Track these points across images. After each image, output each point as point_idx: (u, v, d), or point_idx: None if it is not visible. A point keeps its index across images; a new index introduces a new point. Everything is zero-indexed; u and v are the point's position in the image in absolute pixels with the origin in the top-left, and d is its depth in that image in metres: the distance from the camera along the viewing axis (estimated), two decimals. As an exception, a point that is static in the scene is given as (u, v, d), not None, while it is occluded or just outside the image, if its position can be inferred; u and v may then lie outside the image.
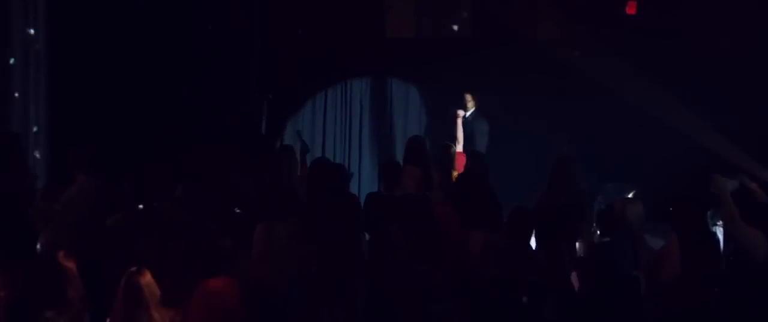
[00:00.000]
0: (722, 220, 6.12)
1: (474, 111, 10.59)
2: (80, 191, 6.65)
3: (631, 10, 10.58)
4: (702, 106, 9.97)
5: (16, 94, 9.34)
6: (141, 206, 6.27)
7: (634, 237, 6.31)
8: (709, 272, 5.68)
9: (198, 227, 6.03)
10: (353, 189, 9.53)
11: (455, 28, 11.31)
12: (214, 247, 5.35)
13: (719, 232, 6.85)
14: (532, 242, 6.43)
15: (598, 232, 6.91)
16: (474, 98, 10.60)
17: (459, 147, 9.85)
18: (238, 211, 6.78)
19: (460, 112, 10.24)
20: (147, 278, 4.88)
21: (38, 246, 5.57)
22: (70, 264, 5.27)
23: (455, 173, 8.22)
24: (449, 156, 8.61)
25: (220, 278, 5.04)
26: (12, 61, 9.31)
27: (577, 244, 6.66)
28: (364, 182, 11.30)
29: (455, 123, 10.24)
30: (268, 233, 5.84)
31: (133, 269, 4.92)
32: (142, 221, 6.09)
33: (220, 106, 10.23)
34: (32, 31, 9.39)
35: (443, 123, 10.82)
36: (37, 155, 9.46)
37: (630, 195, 8.68)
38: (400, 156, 9.69)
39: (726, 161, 9.40)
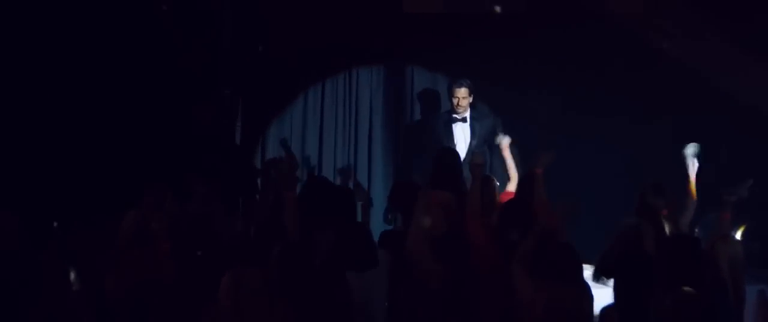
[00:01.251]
0: None
1: (472, 111, 10.55)
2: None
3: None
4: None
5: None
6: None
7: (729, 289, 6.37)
8: None
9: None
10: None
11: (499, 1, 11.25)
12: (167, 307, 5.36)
13: None
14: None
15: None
16: (470, 91, 10.50)
17: (511, 185, 9.69)
18: (200, 254, 6.75)
19: (505, 141, 10.04)
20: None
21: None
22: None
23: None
24: (489, 191, 8.56)
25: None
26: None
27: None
28: (377, 207, 11.25)
29: (502, 155, 10.00)
30: (235, 287, 5.83)
31: None
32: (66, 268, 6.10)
33: (176, 106, 10.21)
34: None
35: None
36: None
37: (738, 232, 8.63)
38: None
39: None
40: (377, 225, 10.04)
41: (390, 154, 11.52)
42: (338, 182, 10.37)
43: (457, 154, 8.81)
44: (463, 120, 10.59)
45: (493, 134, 10.41)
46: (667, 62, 10.56)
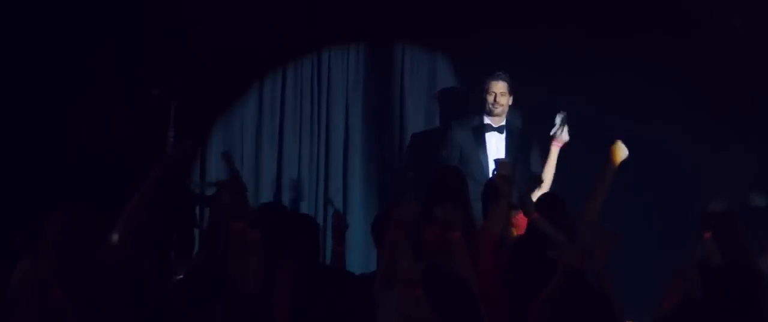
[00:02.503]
0: None
1: (510, 118, 10.73)
2: None
3: None
4: None
5: None
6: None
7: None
8: None
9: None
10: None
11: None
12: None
13: None
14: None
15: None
16: (510, 88, 10.56)
17: (545, 188, 9.68)
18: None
19: (563, 137, 10.12)
20: None
21: None
22: None
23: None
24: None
25: None
26: None
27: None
28: (355, 234, 11.33)
29: (548, 153, 10.17)
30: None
31: None
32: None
33: (88, 113, 10.27)
34: None
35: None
36: None
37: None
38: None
39: None
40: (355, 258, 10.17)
41: (372, 167, 11.61)
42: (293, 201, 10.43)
43: (461, 176, 8.85)
44: (499, 130, 10.73)
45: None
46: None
